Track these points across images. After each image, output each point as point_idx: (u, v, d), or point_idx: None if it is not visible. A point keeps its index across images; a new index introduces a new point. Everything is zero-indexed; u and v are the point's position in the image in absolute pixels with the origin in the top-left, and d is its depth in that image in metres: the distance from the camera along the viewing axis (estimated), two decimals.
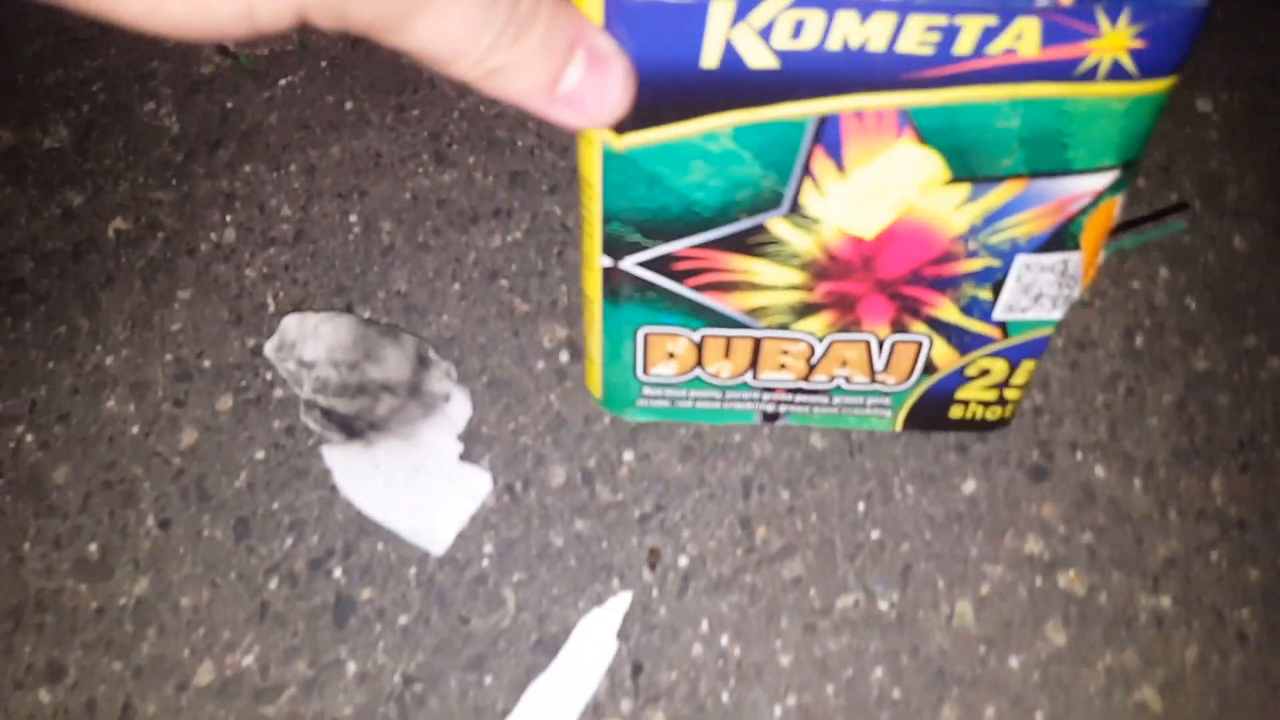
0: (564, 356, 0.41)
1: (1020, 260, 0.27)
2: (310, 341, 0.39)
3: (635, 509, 0.38)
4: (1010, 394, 0.32)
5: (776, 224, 0.26)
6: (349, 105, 0.49)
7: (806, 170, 0.24)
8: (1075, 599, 0.35)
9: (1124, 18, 0.21)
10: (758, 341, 0.30)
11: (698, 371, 0.32)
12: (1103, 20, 0.21)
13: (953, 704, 0.34)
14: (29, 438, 0.40)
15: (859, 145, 0.24)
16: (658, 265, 0.27)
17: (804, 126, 0.23)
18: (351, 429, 0.38)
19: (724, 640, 0.35)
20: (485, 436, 0.39)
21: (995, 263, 0.27)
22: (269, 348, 0.39)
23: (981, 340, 0.30)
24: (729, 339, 0.30)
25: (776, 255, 0.27)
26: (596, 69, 0.19)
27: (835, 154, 0.24)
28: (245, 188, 0.46)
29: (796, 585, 0.36)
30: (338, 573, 0.37)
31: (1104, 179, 0.25)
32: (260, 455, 0.39)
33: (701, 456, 0.38)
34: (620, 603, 0.36)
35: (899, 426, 0.34)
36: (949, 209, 0.25)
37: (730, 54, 0.22)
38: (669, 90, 0.22)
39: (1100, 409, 0.39)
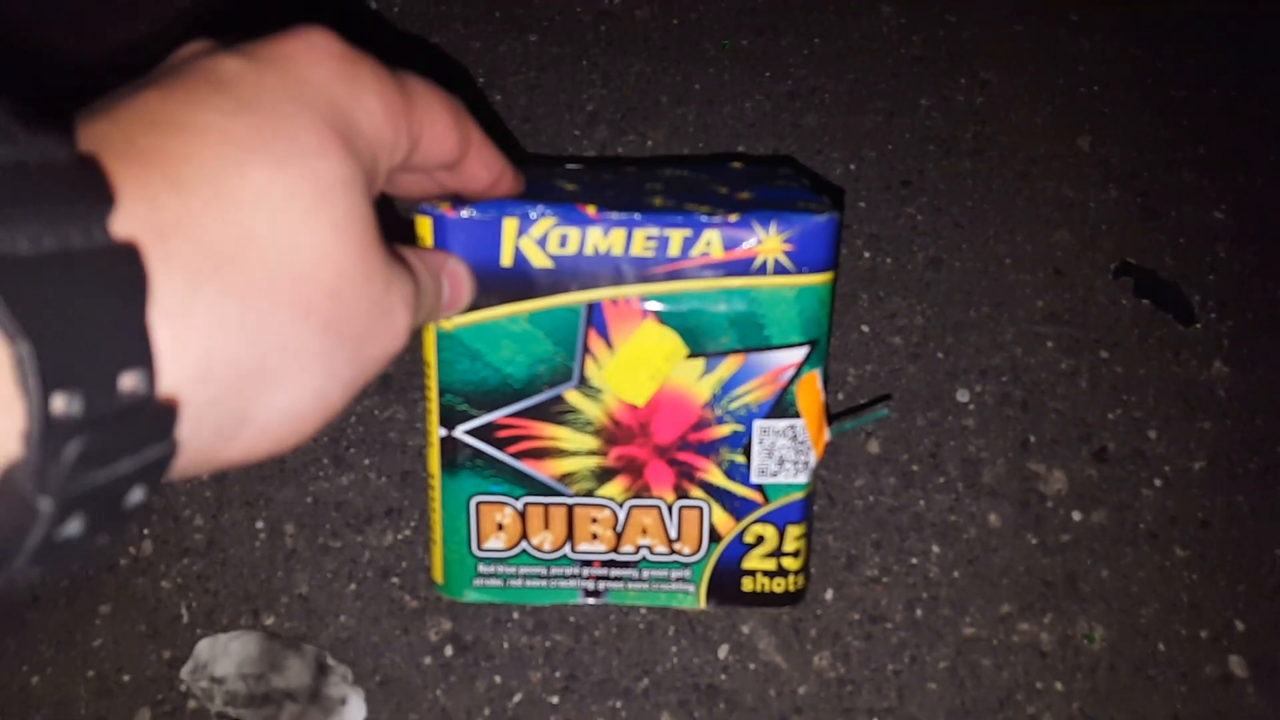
0: (449, 650, 0.48)
1: (758, 425, 0.35)
2: (221, 659, 0.45)
3: None
4: (788, 563, 0.38)
5: (571, 395, 0.34)
6: None
7: (586, 348, 0.33)
8: None
9: (773, 228, 0.32)
10: (570, 510, 0.36)
11: (524, 545, 0.37)
12: (759, 230, 0.32)
13: None
14: None
15: (618, 325, 0.33)
16: (484, 433, 0.35)
17: (578, 312, 0.33)
18: None
19: None
20: None
21: (739, 428, 0.35)
22: (185, 671, 0.45)
23: (748, 505, 0.37)
24: (547, 508, 0.36)
25: (574, 422, 0.35)
26: (456, 281, 0.29)
27: (604, 333, 0.33)
28: (160, 500, 0.52)
29: None
30: None
31: (798, 353, 0.34)
32: None
33: None
34: None
35: (702, 602, 0.39)
36: (694, 379, 0.34)
37: (519, 256, 0.32)
38: (481, 284, 0.32)
39: (890, 676, 0.47)
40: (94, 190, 0.16)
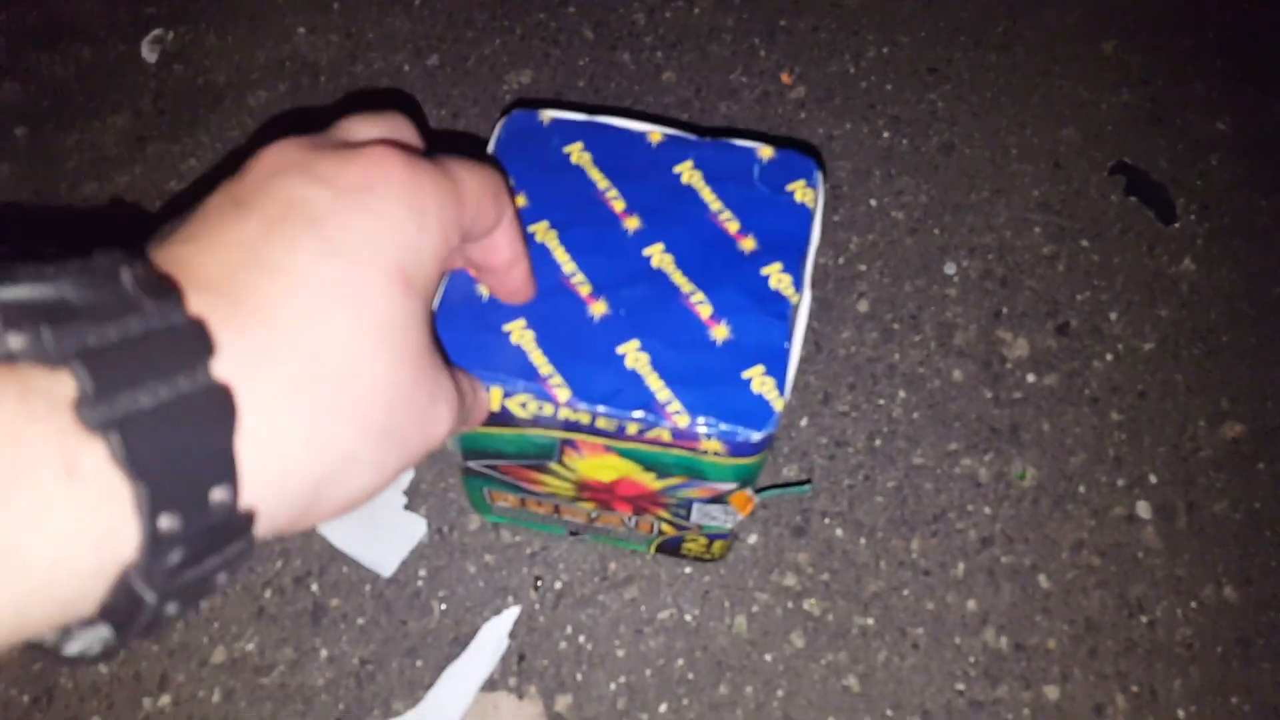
0: None
1: (697, 506, 0.43)
2: None
3: (527, 548, 0.54)
4: (716, 549, 0.50)
5: (552, 465, 0.41)
6: None
7: (561, 456, 0.40)
8: (813, 617, 0.53)
9: (715, 441, 0.36)
10: (557, 505, 0.47)
11: (525, 509, 0.49)
12: (703, 439, 0.36)
13: (726, 684, 0.51)
14: None
15: (588, 452, 0.39)
16: (491, 466, 0.44)
17: (555, 441, 0.39)
18: None
19: (581, 639, 0.52)
20: (424, 492, 0.56)
21: (684, 508, 0.44)
22: None
23: (687, 529, 0.47)
24: (540, 500, 0.47)
25: (555, 476, 0.43)
26: (478, 401, 0.34)
27: (576, 451, 0.39)
28: None
29: (632, 603, 0.53)
30: (314, 586, 0.53)
31: (733, 485, 0.40)
32: None
33: None
34: (512, 613, 0.53)
35: (652, 552, 0.53)
36: (649, 483, 0.41)
37: (505, 410, 0.37)
38: (493, 420, 0.38)
39: (845, 489, 0.57)
40: (201, 343, 0.19)
